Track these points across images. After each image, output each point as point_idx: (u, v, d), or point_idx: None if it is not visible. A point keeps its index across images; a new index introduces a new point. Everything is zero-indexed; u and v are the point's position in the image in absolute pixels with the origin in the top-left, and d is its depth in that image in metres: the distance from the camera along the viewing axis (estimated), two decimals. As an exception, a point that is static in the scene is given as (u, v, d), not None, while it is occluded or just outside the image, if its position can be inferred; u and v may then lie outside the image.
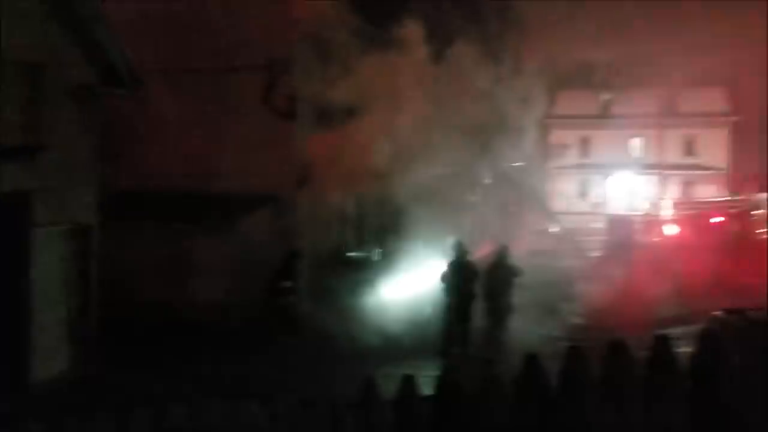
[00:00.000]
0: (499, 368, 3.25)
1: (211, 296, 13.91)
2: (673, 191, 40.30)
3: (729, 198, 35.80)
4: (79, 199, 11.37)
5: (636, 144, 44.53)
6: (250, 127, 15.06)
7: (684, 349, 4.36)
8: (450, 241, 14.66)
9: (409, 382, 3.22)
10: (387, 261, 17.74)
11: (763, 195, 33.49)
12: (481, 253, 14.88)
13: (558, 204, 38.48)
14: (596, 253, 24.03)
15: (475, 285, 13.14)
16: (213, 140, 15.08)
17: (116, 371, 10.91)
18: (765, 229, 32.28)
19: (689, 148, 43.57)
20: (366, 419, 3.22)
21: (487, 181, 25.28)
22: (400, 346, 12.64)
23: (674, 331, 13.47)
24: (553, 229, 26.49)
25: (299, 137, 15.26)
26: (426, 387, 3.57)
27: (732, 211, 32.45)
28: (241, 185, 14.74)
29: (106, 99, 12.07)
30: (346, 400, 3.44)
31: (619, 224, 26.81)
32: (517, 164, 26.07)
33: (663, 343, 3.12)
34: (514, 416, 3.14)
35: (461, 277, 13.08)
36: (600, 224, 30.58)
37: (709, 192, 40.98)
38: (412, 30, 17.26)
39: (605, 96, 42.60)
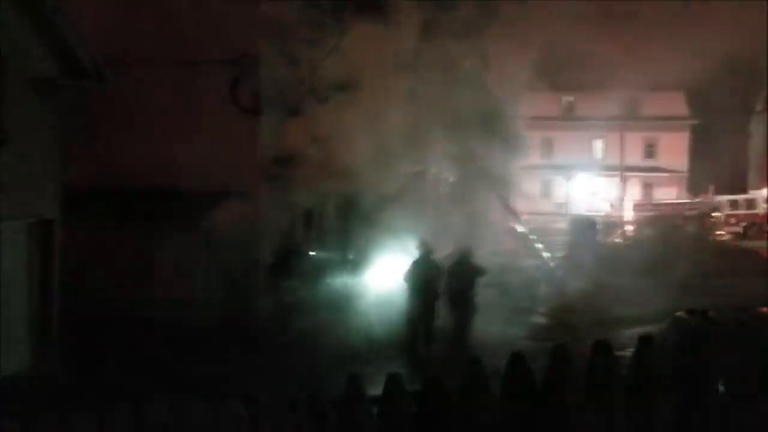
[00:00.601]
0: (484, 367, 3.25)
1: (174, 294, 13.73)
2: (634, 193, 40.99)
3: (688, 200, 36.53)
4: (42, 194, 11.10)
5: (598, 146, 45.21)
6: (215, 123, 14.88)
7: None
8: (414, 239, 14.70)
9: (393, 380, 3.19)
10: (352, 258, 17.73)
11: (721, 197, 34.31)
12: (445, 252, 14.97)
13: (521, 204, 38.83)
14: (559, 253, 24.29)
15: (438, 284, 13.17)
16: (177, 136, 14.85)
17: (78, 369, 10.70)
18: (723, 231, 33.09)
19: (650, 151, 44.41)
20: (351, 417, 3.19)
21: (452, 179, 25.43)
22: (366, 344, 12.62)
23: (636, 331, 13.76)
24: (517, 228, 26.70)
25: (265, 133, 15.13)
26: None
27: (691, 213, 33.18)
28: (206, 182, 14.54)
29: (70, 92, 11.79)
30: (328, 398, 3.42)
31: (581, 225, 27.13)
32: (481, 163, 26.25)
33: (646, 345, 3.14)
34: (500, 414, 3.14)
35: (425, 275, 13.11)
36: (563, 224, 30.98)
37: (669, 194, 41.81)
38: (380, 27, 17.27)
39: (568, 98, 43.17)
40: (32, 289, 11.08)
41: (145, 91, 14.78)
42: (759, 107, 42.45)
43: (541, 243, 24.56)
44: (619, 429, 3.02)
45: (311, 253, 16.92)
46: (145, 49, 14.62)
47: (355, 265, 16.12)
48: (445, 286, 13.17)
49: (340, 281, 15.77)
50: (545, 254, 23.84)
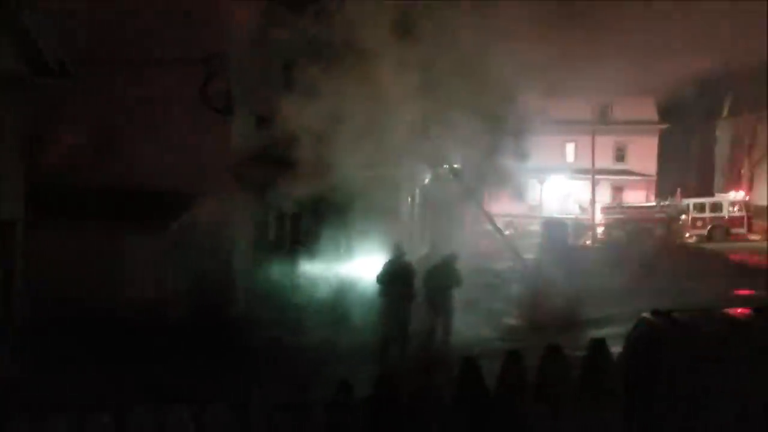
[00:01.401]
0: (438, 371, 3.23)
1: (143, 294, 13.58)
2: (605, 196, 41.43)
3: (656, 203, 37.02)
4: (4, 193, 10.91)
5: (570, 149, 45.62)
6: (186, 123, 14.76)
7: (614, 350, 4.45)
8: (388, 241, 14.73)
9: (344, 386, 3.19)
10: (325, 259, 17.69)
11: (689, 201, 34.83)
12: (419, 254, 15.02)
13: (494, 206, 39.02)
14: (531, 255, 24.42)
15: (411, 286, 13.17)
16: (146, 135, 14.70)
17: (41, 371, 10.52)
18: (689, 234, 33.60)
19: (620, 155, 44.95)
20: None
21: (426, 182, 25.48)
22: (335, 347, 12.59)
23: (603, 331, 13.89)
24: (490, 231, 26.83)
25: (235, 133, 15.03)
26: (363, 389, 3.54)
27: (659, 216, 33.64)
28: (176, 181, 14.40)
29: (34, 89, 11.60)
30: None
31: (552, 227, 27.32)
32: (455, 166, 26.33)
33: (599, 348, 3.16)
34: (451, 418, 3.14)
35: (397, 278, 13.09)
36: (535, 227, 31.19)
37: (639, 197, 42.33)
38: (352, 29, 17.24)
39: (541, 102, 43.44)
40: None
41: (115, 90, 14.62)
42: (725, 113, 43.18)
43: (514, 244, 24.70)
44: (567, 430, 3.04)
45: (285, 253, 16.86)
46: (114, 46, 14.45)
47: (329, 265, 16.08)
48: (428, 290, 13.23)
49: (313, 281, 15.72)
50: (518, 255, 23.97)
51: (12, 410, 6.79)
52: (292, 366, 11.12)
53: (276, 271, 15.91)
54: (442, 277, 13.24)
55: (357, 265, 16.61)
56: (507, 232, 29.09)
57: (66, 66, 11.28)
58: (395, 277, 13.04)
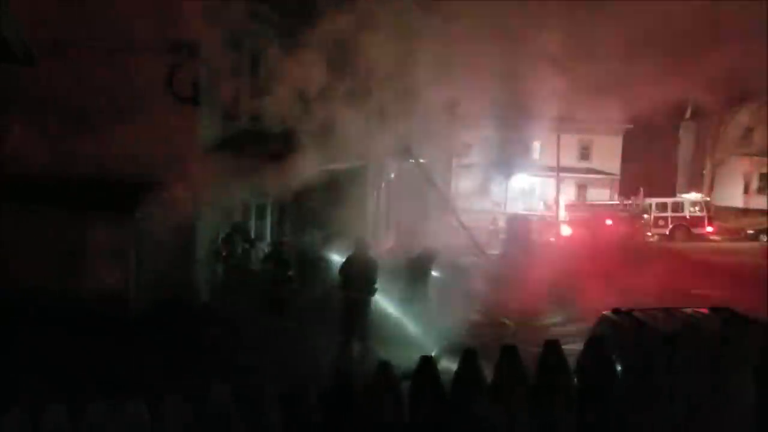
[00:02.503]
0: (396, 367, 3.30)
1: (104, 285, 13.46)
2: (569, 193, 41.94)
3: (619, 202, 37.58)
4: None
5: (535, 146, 46.05)
6: (152, 112, 14.59)
7: (573, 347, 4.53)
8: (352, 234, 14.80)
9: (297, 381, 3.22)
10: (290, 251, 17.67)
11: (651, 200, 35.43)
12: (384, 247, 15.15)
13: (460, 201, 39.28)
14: (494, 251, 24.68)
15: (374, 279, 13.23)
16: (111, 123, 14.50)
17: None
18: (651, 233, 34.20)
19: (584, 153, 45.54)
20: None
21: (392, 175, 25.55)
22: (296, 340, 12.61)
23: (564, 329, 14.11)
24: (454, 225, 27.02)
25: (203, 124, 14.92)
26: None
27: (622, 214, 34.18)
28: (141, 170, 14.26)
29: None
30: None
31: (516, 223, 27.63)
32: (421, 161, 26.44)
33: (553, 349, 3.24)
34: (408, 415, 3.19)
35: (359, 272, 13.14)
36: (499, 223, 31.47)
37: (602, 195, 42.94)
38: (322, 20, 17.19)
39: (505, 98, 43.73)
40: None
41: (80, 77, 14.39)
42: (687, 115, 43.95)
43: (478, 240, 24.91)
44: (522, 430, 3.11)
45: (249, 244, 16.80)
46: (80, 33, 14.22)
47: (293, 257, 16.05)
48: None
49: (277, 273, 15.68)
50: (482, 251, 24.19)
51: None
52: (254, 358, 11.11)
53: (240, 262, 15.86)
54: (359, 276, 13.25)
55: (323, 257, 16.62)
56: (491, 227, 29.34)
57: (30, 52, 11.07)
58: (357, 272, 13.10)
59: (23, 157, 13.88)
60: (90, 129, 14.31)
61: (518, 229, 26.72)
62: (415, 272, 13.98)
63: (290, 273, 14.55)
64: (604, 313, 9.64)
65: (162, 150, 14.30)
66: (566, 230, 33.77)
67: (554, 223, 34.73)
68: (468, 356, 3.26)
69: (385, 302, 14.00)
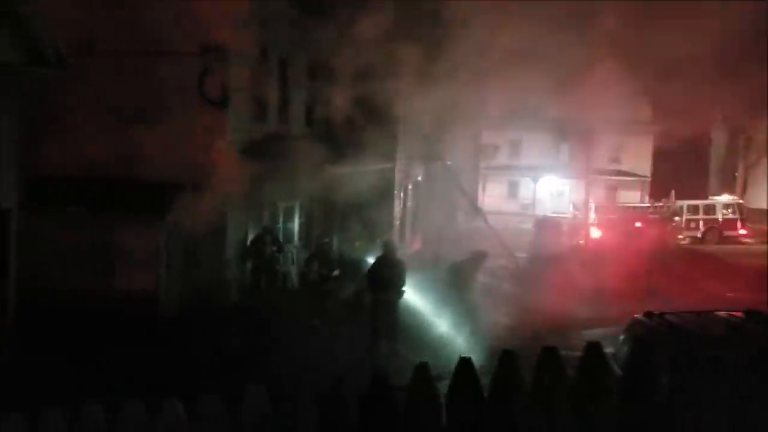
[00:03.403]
0: (434, 370, 3.26)
1: (135, 286, 13.59)
2: (598, 195, 41.50)
3: (650, 204, 37.12)
4: (0, 182, 10.88)
5: (564, 148, 45.73)
6: (182, 114, 14.72)
7: (606, 351, 4.46)
8: (381, 237, 14.84)
9: (339, 381, 3.19)
10: (320, 254, 17.74)
11: (682, 202, 34.92)
12: (411, 249, 15.16)
13: (488, 203, 39.16)
14: (523, 254, 24.52)
15: (402, 281, 13.21)
16: (142, 126, 14.66)
17: (34, 362, 10.51)
18: (682, 235, 33.72)
19: (615, 155, 45.06)
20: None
21: (419, 178, 25.53)
22: (328, 341, 12.63)
23: (595, 332, 13.95)
24: (483, 228, 26.91)
25: (232, 127, 15.02)
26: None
27: (653, 217, 33.74)
28: (171, 173, 14.39)
29: (30, 79, 11.56)
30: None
31: (545, 226, 27.44)
32: (448, 163, 26.41)
33: (595, 351, 3.18)
34: (447, 418, 3.15)
35: (387, 273, 13.14)
36: (527, 225, 31.26)
37: (633, 198, 42.46)
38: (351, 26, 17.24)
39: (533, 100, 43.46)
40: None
41: (110, 81, 14.57)
42: (721, 116, 43.29)
43: (507, 243, 24.76)
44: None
45: (278, 246, 16.86)
46: (112, 37, 14.40)
47: (324, 260, 16.10)
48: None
49: (306, 276, 15.74)
50: (511, 254, 24.04)
51: None
52: (285, 359, 11.14)
53: (269, 264, 15.91)
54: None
55: (353, 259, 16.65)
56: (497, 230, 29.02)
57: (63, 57, 11.24)
58: (386, 274, 13.10)
59: (55, 159, 14.07)
60: (121, 131, 14.47)
61: (546, 231, 26.51)
62: (461, 275, 14.00)
63: (335, 272, 14.65)
64: (635, 315, 9.53)
65: (192, 152, 14.41)
66: (596, 233, 33.41)
67: (583, 226, 34.38)
68: (506, 358, 3.23)
69: (425, 304, 14.06)
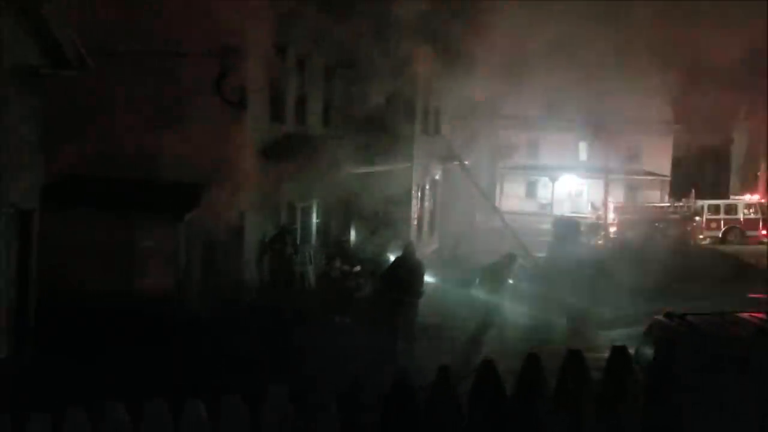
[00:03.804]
0: (454, 371, 3.25)
1: (155, 285, 13.67)
2: (617, 195, 41.19)
3: (670, 204, 36.73)
4: (21, 183, 10.98)
5: (583, 148, 45.42)
6: (200, 115, 14.77)
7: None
8: (398, 236, 14.85)
9: (355, 382, 3.19)
10: (339, 254, 17.77)
11: (703, 202, 34.53)
12: (428, 248, 15.15)
13: (505, 203, 39.00)
14: (542, 253, 24.35)
15: (421, 282, 13.20)
16: (161, 126, 14.74)
17: (55, 361, 10.60)
18: (703, 235, 33.36)
19: (634, 154, 44.65)
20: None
21: (437, 178, 25.47)
22: (346, 341, 12.63)
23: (616, 332, 13.85)
24: (501, 227, 26.80)
25: (251, 128, 15.06)
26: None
27: (673, 216, 33.40)
28: (190, 173, 14.47)
29: (52, 80, 11.67)
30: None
31: (563, 225, 27.22)
32: (466, 162, 26.33)
33: (620, 354, 3.14)
34: (468, 420, 3.13)
35: (406, 274, 13.12)
36: (546, 225, 31.06)
37: (652, 197, 42.05)
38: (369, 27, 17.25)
39: (551, 99, 43.22)
40: (9, 279, 10.95)
41: (130, 82, 14.65)
42: (742, 114, 42.80)
43: (525, 243, 24.62)
44: (587, 435, 3.05)
45: (294, 246, 16.90)
46: (131, 38, 14.49)
47: (345, 257, 16.15)
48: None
49: (329, 272, 15.79)
50: (529, 254, 23.90)
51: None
52: (306, 358, 11.15)
53: (287, 263, 15.95)
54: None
55: (372, 260, 16.65)
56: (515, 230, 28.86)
57: (84, 59, 11.33)
58: (404, 275, 13.08)
59: (77, 161, 14.18)
60: (140, 133, 14.56)
61: (565, 231, 26.31)
62: (494, 276, 13.99)
63: (357, 268, 14.74)
64: (656, 317, 9.43)
65: (211, 153, 14.46)
66: (615, 233, 33.14)
67: (602, 226, 34.11)
68: (531, 360, 3.19)
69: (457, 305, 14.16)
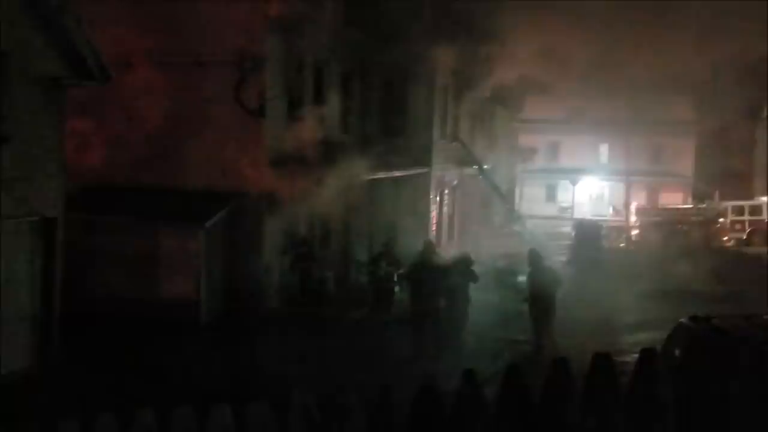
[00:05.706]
0: (477, 376, 3.23)
1: (176, 293, 13.76)
2: (639, 197, 40.81)
3: (693, 205, 36.31)
4: (44, 192, 11.10)
5: (603, 150, 45.08)
6: (219, 123, 14.89)
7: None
8: (420, 240, 14.88)
9: (386, 390, 3.18)
10: (358, 258, 17.81)
11: (727, 203, 34.09)
12: (448, 253, 15.14)
13: (525, 207, 38.78)
14: (563, 257, 24.22)
15: (440, 282, 13.18)
16: (181, 135, 14.86)
17: (79, 369, 10.69)
18: (727, 237, 32.93)
19: (656, 155, 44.21)
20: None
21: (456, 182, 25.41)
22: (367, 345, 12.64)
23: (640, 336, 13.72)
24: (520, 231, 26.66)
25: (269, 135, 15.13)
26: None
27: (696, 218, 33.00)
28: (209, 181, 14.57)
29: (74, 90, 11.80)
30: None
31: (585, 228, 27.04)
32: (486, 166, 26.24)
33: (649, 358, 3.11)
34: (495, 423, 3.11)
35: (427, 273, 13.12)
36: (567, 228, 30.87)
37: (675, 199, 41.57)
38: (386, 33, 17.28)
39: (574, 101, 42.98)
40: (34, 287, 11.07)
41: (150, 91, 14.76)
42: (766, 113, 42.25)
43: (546, 246, 24.48)
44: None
45: (311, 252, 16.93)
46: (150, 49, 14.61)
47: (391, 258, 16.17)
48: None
49: (375, 273, 15.84)
50: (550, 257, 23.75)
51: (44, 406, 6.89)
52: (328, 366, 11.14)
53: (309, 270, 15.98)
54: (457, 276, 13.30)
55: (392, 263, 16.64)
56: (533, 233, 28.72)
57: (105, 69, 11.46)
58: (425, 274, 13.08)
59: (98, 169, 14.32)
60: (161, 141, 14.68)
61: (586, 234, 26.14)
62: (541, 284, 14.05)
63: (401, 270, 14.87)
64: (680, 320, 9.32)
65: (231, 160, 14.55)
66: (637, 235, 32.84)
67: (624, 228, 33.83)
68: (558, 364, 3.17)
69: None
